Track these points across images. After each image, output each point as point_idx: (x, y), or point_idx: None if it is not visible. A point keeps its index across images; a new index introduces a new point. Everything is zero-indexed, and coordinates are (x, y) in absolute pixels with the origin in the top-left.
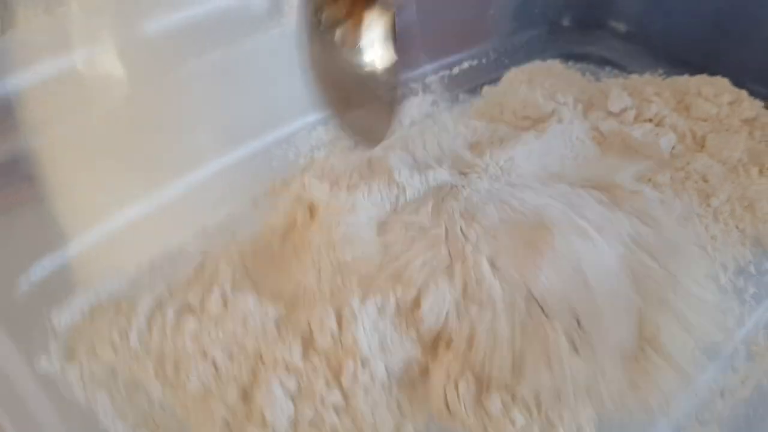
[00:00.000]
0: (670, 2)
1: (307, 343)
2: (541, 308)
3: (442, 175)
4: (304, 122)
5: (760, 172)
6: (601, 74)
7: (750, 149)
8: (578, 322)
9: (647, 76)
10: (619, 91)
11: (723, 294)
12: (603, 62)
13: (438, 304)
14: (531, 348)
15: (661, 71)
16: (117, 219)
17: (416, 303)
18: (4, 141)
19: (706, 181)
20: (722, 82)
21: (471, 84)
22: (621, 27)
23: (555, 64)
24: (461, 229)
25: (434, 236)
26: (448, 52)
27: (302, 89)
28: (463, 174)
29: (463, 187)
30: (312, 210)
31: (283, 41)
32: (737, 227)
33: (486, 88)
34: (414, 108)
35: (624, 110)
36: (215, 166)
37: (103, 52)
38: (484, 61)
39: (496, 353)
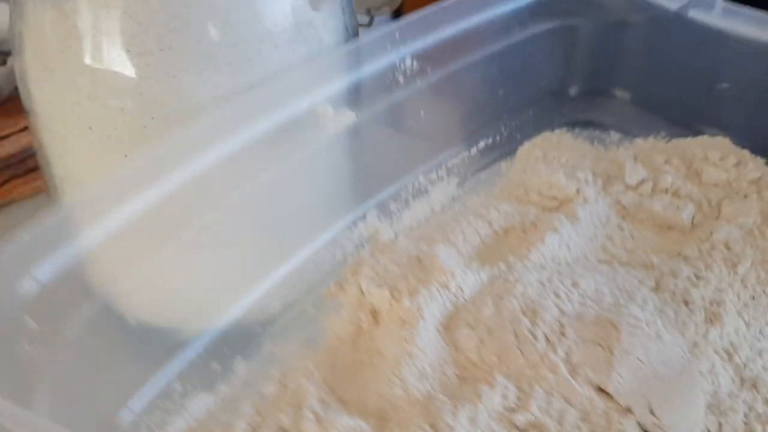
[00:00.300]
0: (669, 68)
1: None
2: (618, 403)
3: (492, 270)
4: (346, 221)
5: None
6: (607, 140)
7: (761, 210)
8: (652, 412)
9: (651, 139)
10: (632, 162)
11: None
12: (607, 127)
13: (538, 406)
14: None
15: (663, 133)
16: None
17: (506, 407)
18: None
19: (729, 249)
20: (724, 143)
21: (489, 161)
22: (624, 94)
23: (564, 135)
24: (528, 330)
25: (504, 338)
26: (465, 134)
27: (344, 188)
28: (509, 264)
29: (516, 280)
30: (375, 315)
31: (323, 145)
32: (764, 292)
33: (504, 164)
34: (442, 193)
35: (641, 182)
36: (270, 280)
37: None
38: (498, 138)
39: None
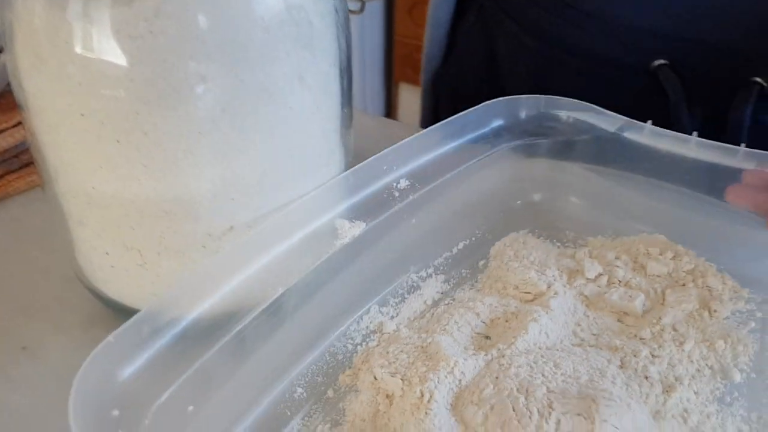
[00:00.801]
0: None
1: None
2: None
3: (486, 356)
4: (354, 315)
5: (710, 314)
6: (563, 239)
7: (698, 296)
8: None
9: (600, 238)
10: (589, 259)
11: None
12: (563, 228)
13: None
14: None
15: (610, 231)
16: None
17: None
18: None
19: (676, 330)
20: (661, 239)
21: (468, 259)
22: (576, 200)
23: (527, 236)
24: (524, 405)
25: (505, 413)
26: (449, 238)
27: (354, 287)
28: (500, 350)
29: (509, 364)
30: (389, 398)
31: (338, 252)
32: (707, 365)
33: (482, 263)
34: (432, 288)
35: (598, 276)
36: (296, 370)
37: None
38: (474, 239)
39: None
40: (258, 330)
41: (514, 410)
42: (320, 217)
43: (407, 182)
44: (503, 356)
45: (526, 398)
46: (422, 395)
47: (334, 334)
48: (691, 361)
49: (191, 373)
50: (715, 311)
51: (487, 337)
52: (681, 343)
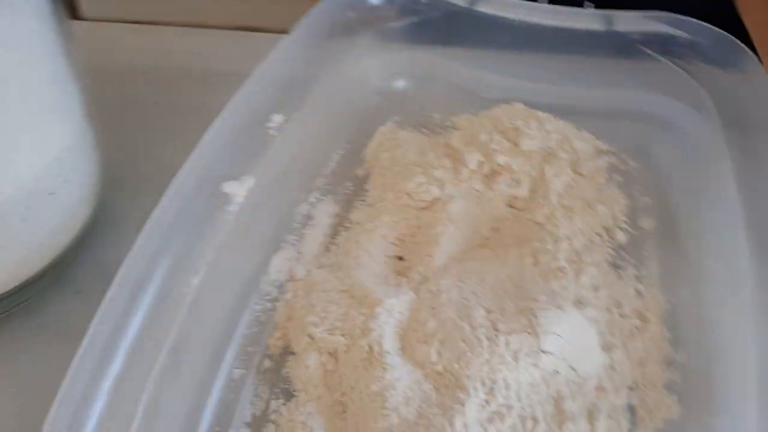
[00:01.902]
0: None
1: None
2: (555, 369)
3: (410, 283)
4: (261, 267)
5: (584, 178)
6: (430, 124)
7: (570, 162)
8: (572, 366)
9: (466, 116)
10: (467, 150)
11: None
12: (427, 114)
13: (503, 395)
14: None
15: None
16: None
17: (481, 403)
18: None
19: (563, 205)
20: (521, 108)
21: (348, 171)
22: (437, 82)
23: (396, 130)
24: (471, 334)
25: (456, 347)
26: (323, 152)
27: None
28: (421, 274)
29: (438, 290)
30: (334, 356)
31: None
32: (598, 234)
33: (361, 171)
34: (325, 214)
35: (480, 164)
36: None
37: None
38: (346, 145)
39: None
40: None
41: (464, 342)
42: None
43: (281, 116)
44: (428, 281)
45: (470, 326)
46: (371, 349)
47: (251, 297)
48: (584, 234)
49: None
50: (585, 174)
51: (401, 258)
52: (571, 218)
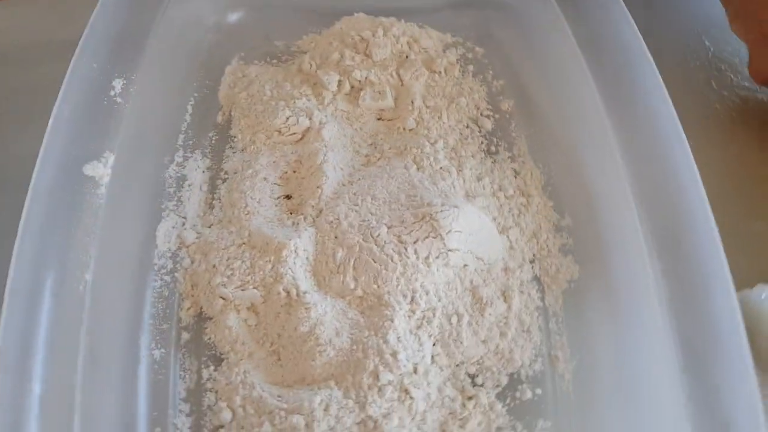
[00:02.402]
0: None
1: None
2: (464, 263)
3: (307, 219)
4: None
5: (439, 74)
6: (275, 53)
7: (423, 62)
8: (478, 257)
9: (309, 36)
10: (323, 72)
11: None
12: (270, 41)
13: (425, 300)
14: None
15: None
16: None
17: (408, 312)
18: None
19: (427, 105)
20: (362, 17)
21: (206, 119)
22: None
23: (243, 66)
24: (382, 253)
25: (370, 268)
26: (175, 105)
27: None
28: (314, 206)
29: (336, 218)
30: (254, 310)
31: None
32: (466, 126)
33: (221, 116)
34: (197, 171)
35: (339, 84)
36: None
37: None
38: (196, 93)
39: None
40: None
41: (376, 261)
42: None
43: (121, 81)
44: (322, 212)
45: (377, 245)
46: (288, 294)
47: (147, 275)
48: (454, 130)
49: None
50: (441, 72)
51: (289, 197)
52: (439, 117)
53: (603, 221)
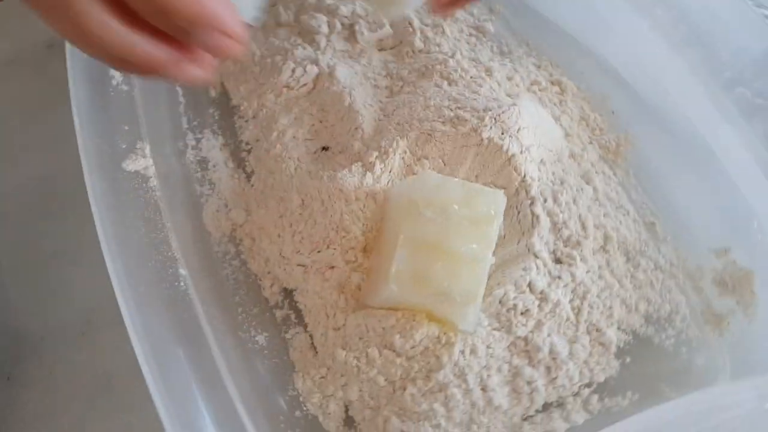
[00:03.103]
0: None
1: None
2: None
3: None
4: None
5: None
6: None
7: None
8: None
9: None
10: (311, 18)
11: None
12: None
13: None
14: None
15: None
16: None
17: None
18: None
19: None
20: None
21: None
22: None
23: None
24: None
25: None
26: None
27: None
28: (367, 145)
29: (391, 142)
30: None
31: None
32: (474, 38)
33: (216, 91)
34: (215, 150)
35: (331, 25)
36: None
37: None
38: None
39: None
40: None
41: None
42: None
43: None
44: (368, 149)
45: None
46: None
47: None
48: (460, 40)
49: None
50: None
51: (326, 148)
52: (443, 32)
53: (640, 84)
